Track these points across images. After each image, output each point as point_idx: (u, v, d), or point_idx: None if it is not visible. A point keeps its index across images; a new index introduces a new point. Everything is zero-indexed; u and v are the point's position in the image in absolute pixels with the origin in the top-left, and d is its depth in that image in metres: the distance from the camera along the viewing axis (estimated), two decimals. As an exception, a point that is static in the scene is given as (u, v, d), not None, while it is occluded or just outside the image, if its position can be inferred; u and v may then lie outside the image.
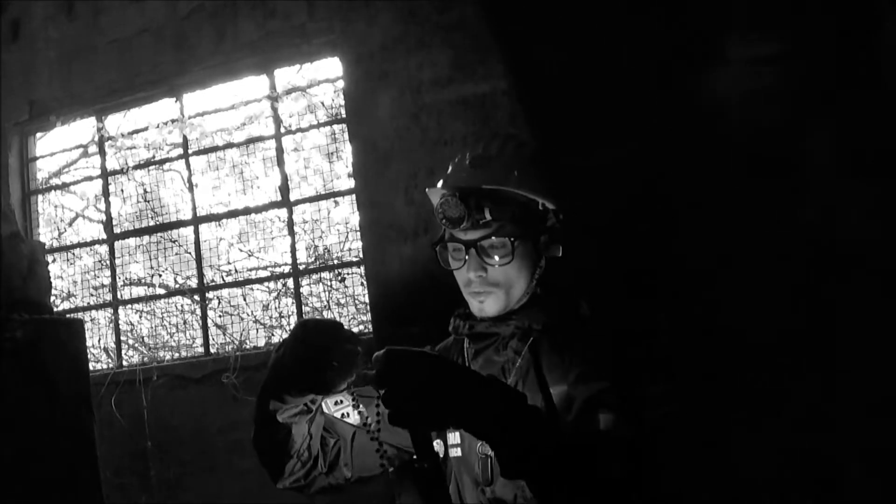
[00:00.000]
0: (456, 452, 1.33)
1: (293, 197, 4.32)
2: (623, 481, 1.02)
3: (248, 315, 4.43)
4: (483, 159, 1.37)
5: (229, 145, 4.50)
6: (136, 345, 4.68)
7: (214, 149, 4.54)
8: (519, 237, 1.30)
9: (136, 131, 4.69)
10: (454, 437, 1.33)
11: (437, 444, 1.34)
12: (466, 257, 1.31)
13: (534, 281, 1.35)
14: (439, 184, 1.41)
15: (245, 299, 4.46)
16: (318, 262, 4.35)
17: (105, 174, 4.75)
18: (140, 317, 4.74)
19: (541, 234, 1.34)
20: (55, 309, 3.67)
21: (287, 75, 4.38)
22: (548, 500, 1.01)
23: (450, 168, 1.45)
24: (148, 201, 4.71)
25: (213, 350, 4.38)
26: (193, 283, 4.50)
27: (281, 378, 1.22)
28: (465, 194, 1.29)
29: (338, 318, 4.22)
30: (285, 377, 1.22)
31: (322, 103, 4.35)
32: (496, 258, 1.30)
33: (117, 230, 4.72)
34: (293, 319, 4.28)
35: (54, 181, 4.99)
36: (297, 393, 1.23)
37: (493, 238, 1.30)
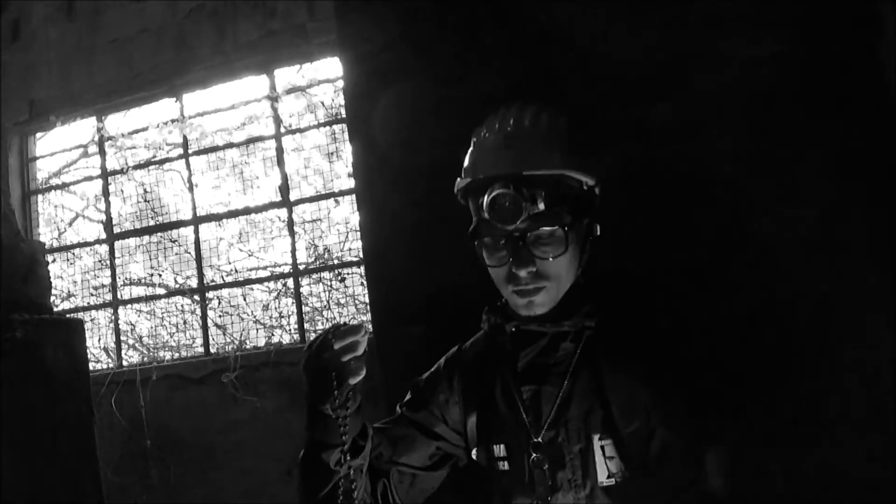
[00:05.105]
0: (503, 466, 1.21)
1: (293, 197, 4.32)
2: None
3: (248, 315, 4.43)
4: (517, 138, 1.18)
5: (229, 145, 4.51)
6: (136, 345, 4.68)
7: (214, 149, 4.54)
8: (570, 225, 1.15)
9: (136, 131, 4.71)
10: (500, 449, 1.22)
11: (475, 453, 1.26)
12: (511, 250, 1.15)
13: (580, 268, 1.22)
14: (466, 161, 1.25)
15: (245, 299, 4.46)
16: (318, 262, 4.35)
17: (105, 174, 4.76)
18: (140, 317, 4.74)
19: (586, 215, 1.21)
20: (55, 309, 3.67)
21: (287, 75, 4.40)
22: None
23: (472, 146, 1.26)
24: (148, 201, 4.71)
25: (213, 350, 4.39)
26: (193, 283, 4.50)
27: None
28: (517, 184, 1.11)
29: (337, 319, 4.22)
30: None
31: (322, 103, 4.35)
32: (548, 249, 1.14)
33: (117, 230, 4.72)
34: (293, 319, 4.28)
35: (54, 181, 4.99)
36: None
37: (544, 228, 1.14)
